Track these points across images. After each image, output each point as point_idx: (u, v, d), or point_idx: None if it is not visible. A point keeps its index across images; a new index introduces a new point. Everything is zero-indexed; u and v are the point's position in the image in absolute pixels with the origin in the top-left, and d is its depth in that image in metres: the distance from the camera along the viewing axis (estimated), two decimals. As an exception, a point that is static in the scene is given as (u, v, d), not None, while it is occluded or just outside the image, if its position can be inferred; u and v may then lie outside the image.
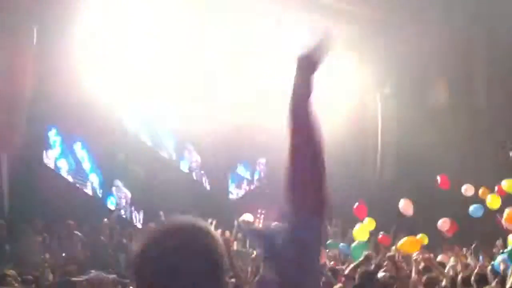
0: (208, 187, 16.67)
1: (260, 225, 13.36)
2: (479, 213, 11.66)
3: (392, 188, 14.89)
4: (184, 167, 16.61)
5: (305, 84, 1.98)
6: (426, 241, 11.00)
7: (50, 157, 14.34)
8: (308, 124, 1.95)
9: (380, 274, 6.82)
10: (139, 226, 14.75)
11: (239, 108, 15.48)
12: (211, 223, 13.31)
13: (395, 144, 16.16)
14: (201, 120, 15.88)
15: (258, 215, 14.82)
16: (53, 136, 14.45)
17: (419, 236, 10.72)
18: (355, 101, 16.18)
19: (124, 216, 14.97)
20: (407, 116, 15.27)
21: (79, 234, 11.87)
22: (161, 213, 11.91)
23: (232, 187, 17.23)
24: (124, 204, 15.24)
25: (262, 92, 15.38)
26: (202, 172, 16.73)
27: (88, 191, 14.80)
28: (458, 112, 14.67)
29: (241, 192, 17.20)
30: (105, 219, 12.87)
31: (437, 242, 11.69)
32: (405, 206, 11.78)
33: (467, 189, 11.99)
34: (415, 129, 15.06)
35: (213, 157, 16.43)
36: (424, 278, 6.95)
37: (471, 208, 11.74)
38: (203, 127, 16.56)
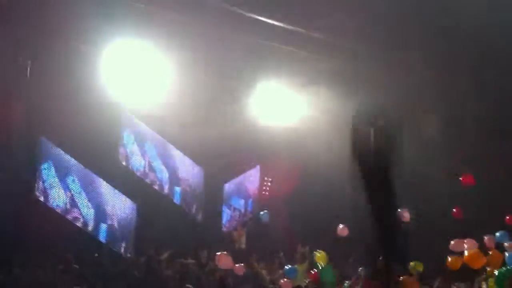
0: (201, 219, 16.60)
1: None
2: None
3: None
4: (176, 199, 16.56)
5: None
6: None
7: (42, 192, 14.28)
8: None
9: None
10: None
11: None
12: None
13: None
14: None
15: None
16: (46, 170, 14.42)
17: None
18: (349, 135, 16.19)
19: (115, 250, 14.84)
20: (401, 149, 15.30)
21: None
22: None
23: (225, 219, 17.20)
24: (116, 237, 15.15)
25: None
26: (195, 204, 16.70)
27: (80, 224, 14.69)
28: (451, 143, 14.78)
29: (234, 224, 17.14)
30: (96, 254, 12.79)
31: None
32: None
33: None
34: (410, 162, 15.10)
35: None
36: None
37: None
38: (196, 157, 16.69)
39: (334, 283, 9.49)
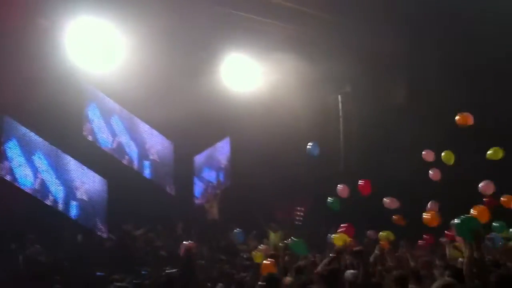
0: (173, 193, 16.49)
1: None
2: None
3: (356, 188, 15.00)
4: (147, 174, 16.41)
5: None
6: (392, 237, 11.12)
7: (6, 169, 13.95)
8: None
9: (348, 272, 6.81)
10: (104, 236, 14.49)
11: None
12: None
13: (357, 143, 16.34)
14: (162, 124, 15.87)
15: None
16: (11, 148, 14.08)
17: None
18: (316, 102, 16.25)
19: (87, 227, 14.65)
20: (368, 115, 15.45)
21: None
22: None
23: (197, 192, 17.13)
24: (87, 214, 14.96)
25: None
26: (166, 177, 16.56)
27: (49, 202, 14.44)
28: (418, 110, 14.91)
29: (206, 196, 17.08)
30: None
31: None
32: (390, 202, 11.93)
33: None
34: (377, 128, 15.25)
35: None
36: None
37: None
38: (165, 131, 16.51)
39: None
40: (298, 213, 15.47)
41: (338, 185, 12.04)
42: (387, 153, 14.73)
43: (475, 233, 5.74)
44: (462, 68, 14.30)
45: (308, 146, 12.09)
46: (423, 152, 12.25)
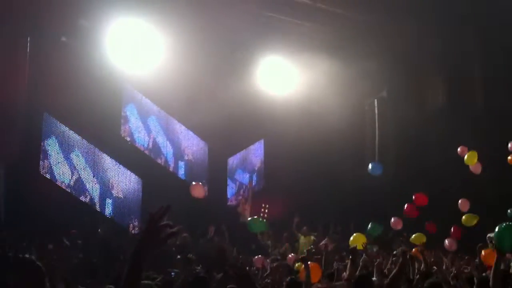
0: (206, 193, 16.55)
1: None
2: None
3: (391, 193, 14.84)
4: (181, 174, 16.56)
5: None
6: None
7: (46, 167, 14.28)
8: None
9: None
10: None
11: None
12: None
13: (393, 146, 16.14)
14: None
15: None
16: (50, 146, 14.41)
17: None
18: (352, 106, 16.13)
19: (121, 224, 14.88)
20: (405, 119, 15.24)
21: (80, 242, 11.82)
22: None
23: (230, 193, 17.19)
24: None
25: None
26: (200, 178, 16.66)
27: (86, 199, 14.72)
28: (457, 113, 14.63)
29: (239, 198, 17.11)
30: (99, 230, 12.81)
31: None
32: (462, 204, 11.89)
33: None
34: (413, 132, 15.03)
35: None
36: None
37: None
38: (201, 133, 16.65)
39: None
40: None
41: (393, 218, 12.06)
42: (423, 156, 14.52)
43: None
44: (503, 69, 13.99)
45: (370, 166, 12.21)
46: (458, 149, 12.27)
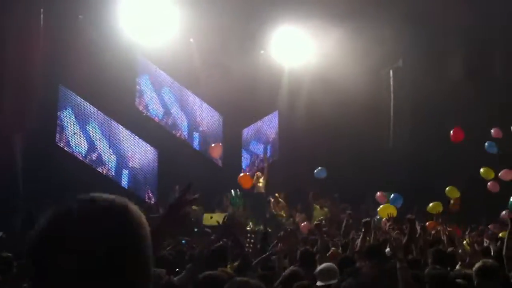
0: (220, 164, 16.68)
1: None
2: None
3: (406, 162, 14.83)
4: (196, 145, 16.66)
5: None
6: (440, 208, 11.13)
7: (63, 139, 14.45)
8: None
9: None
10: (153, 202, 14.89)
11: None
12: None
13: (408, 119, 16.06)
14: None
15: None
16: (66, 117, 14.55)
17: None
18: (367, 75, 16.02)
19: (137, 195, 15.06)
20: (420, 90, 15.12)
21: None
22: (177, 187, 12.11)
23: (245, 164, 17.27)
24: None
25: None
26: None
27: (103, 170, 14.90)
28: (474, 83, 14.50)
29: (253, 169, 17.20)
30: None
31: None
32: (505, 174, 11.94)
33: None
34: (428, 104, 14.93)
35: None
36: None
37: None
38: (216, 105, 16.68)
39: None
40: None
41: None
42: (438, 130, 14.42)
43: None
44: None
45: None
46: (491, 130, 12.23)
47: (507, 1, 13.60)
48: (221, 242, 7.76)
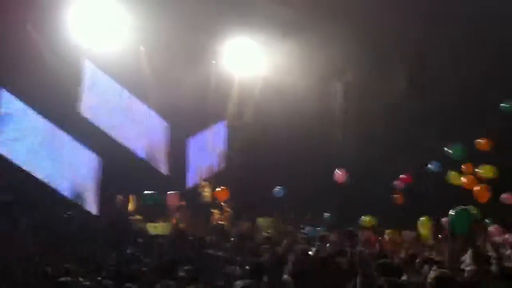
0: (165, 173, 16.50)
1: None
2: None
3: (355, 175, 15.05)
4: (141, 154, 16.39)
5: None
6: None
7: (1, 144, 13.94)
8: None
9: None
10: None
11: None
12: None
13: (356, 131, 16.34)
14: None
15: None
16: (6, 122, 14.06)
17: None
18: (317, 87, 16.22)
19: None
20: (368, 103, 15.42)
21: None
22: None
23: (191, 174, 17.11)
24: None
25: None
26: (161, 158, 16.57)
27: (42, 177, 14.44)
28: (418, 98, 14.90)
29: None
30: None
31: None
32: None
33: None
34: (376, 116, 15.24)
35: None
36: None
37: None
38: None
39: None
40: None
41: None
42: (385, 140, 14.78)
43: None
44: (465, 54, 14.28)
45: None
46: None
47: (455, 17, 14.08)
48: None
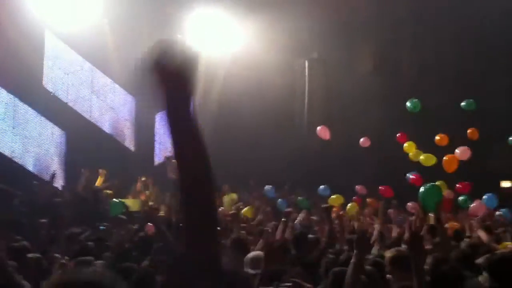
0: (132, 149, 16.34)
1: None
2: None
3: (319, 155, 15.21)
4: (107, 128, 16.16)
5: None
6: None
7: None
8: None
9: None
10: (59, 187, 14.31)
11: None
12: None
13: (322, 109, 16.48)
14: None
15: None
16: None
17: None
18: (283, 65, 16.26)
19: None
20: (334, 81, 15.57)
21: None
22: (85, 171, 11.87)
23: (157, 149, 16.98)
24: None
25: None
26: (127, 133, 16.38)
27: (6, 153, 14.12)
28: (383, 76, 15.11)
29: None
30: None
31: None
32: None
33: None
34: (342, 94, 15.39)
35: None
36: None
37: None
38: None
39: None
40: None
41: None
42: (350, 119, 14.95)
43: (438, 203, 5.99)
44: (434, 31, 14.54)
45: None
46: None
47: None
48: (143, 233, 7.65)
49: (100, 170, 13.04)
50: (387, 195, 12.11)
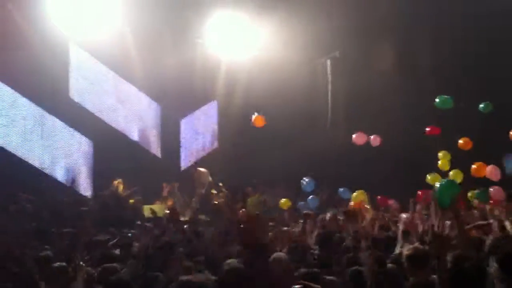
0: (159, 155, 16.47)
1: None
2: None
3: (342, 153, 15.08)
4: (134, 136, 16.32)
5: None
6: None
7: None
8: None
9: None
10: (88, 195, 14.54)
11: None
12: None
13: (345, 108, 16.35)
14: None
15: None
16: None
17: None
18: (305, 65, 16.20)
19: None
20: (357, 80, 15.41)
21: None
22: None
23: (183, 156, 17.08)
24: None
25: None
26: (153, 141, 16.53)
27: (35, 164, 14.39)
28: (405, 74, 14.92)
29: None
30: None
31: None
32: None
33: None
34: (364, 92, 15.24)
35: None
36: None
37: None
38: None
39: None
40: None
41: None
42: (373, 120, 14.78)
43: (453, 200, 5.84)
44: (451, 31, 14.32)
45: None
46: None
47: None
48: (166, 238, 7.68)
49: (116, 181, 13.17)
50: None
